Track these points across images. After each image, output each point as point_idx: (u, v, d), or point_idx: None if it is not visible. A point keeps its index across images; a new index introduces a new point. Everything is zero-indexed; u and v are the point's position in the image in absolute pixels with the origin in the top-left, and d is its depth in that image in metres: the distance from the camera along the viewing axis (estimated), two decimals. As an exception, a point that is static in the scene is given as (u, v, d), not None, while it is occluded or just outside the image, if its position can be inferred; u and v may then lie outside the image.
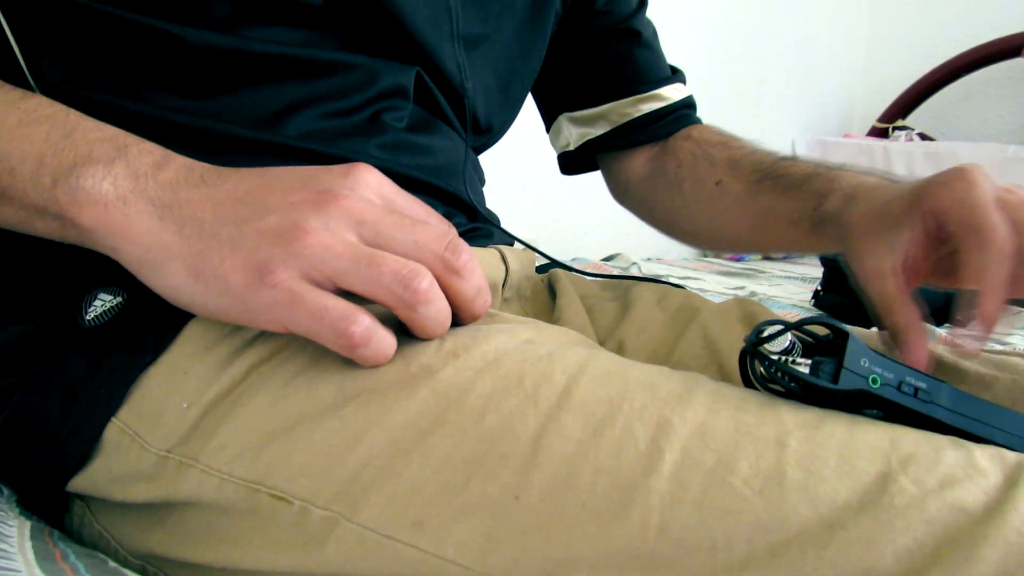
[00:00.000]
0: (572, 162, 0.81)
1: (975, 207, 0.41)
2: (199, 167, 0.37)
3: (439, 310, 0.35)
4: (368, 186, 0.36)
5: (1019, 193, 0.42)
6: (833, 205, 0.54)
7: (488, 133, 0.64)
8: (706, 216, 0.70)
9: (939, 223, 0.43)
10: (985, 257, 0.40)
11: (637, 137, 0.75)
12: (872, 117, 2.58)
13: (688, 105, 0.77)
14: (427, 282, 0.33)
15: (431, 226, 0.35)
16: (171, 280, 0.35)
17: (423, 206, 0.39)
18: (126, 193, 0.35)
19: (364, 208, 0.35)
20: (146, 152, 0.37)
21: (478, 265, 0.36)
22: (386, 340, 0.34)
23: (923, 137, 2.43)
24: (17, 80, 0.42)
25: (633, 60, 0.74)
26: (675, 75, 0.77)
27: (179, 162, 0.37)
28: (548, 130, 0.82)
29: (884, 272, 0.45)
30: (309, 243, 0.33)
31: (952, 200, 0.42)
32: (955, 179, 0.43)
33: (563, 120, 0.79)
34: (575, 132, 0.78)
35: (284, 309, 0.33)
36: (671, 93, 0.76)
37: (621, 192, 0.81)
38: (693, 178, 0.71)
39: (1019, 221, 0.41)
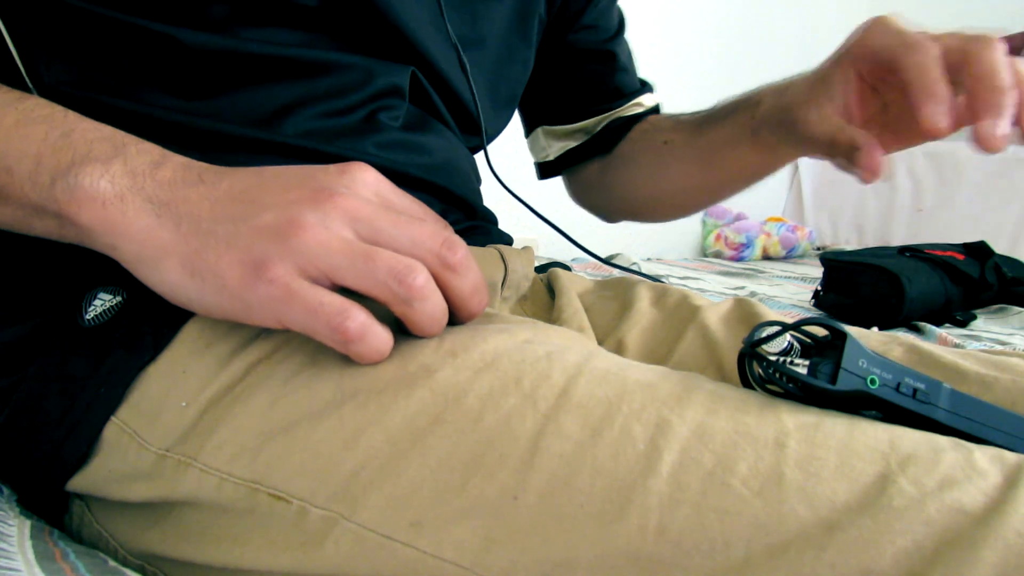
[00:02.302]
0: (549, 170, 0.84)
1: (900, 31, 0.47)
2: (196, 166, 0.37)
3: (435, 306, 0.35)
4: (365, 184, 0.37)
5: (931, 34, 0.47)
6: (766, 106, 0.59)
7: (485, 137, 0.64)
8: (659, 176, 0.74)
9: (873, 61, 0.49)
10: (922, 57, 0.44)
11: (614, 139, 0.78)
12: (872, 117, 2.57)
13: (654, 112, 0.80)
14: (423, 278, 0.34)
15: (427, 223, 0.36)
16: (168, 277, 0.35)
17: (420, 204, 0.39)
18: (124, 191, 0.35)
19: (360, 206, 0.35)
20: (144, 151, 0.37)
21: (475, 263, 0.36)
22: (381, 336, 0.34)
23: (923, 137, 2.42)
24: (14, 82, 0.42)
25: (610, 81, 0.77)
26: (643, 87, 0.80)
27: (177, 161, 0.37)
28: (527, 136, 0.85)
29: (826, 115, 0.51)
30: (305, 239, 0.33)
31: (878, 34, 0.48)
32: (874, 22, 0.49)
33: (540, 132, 0.82)
34: (555, 145, 0.81)
35: (280, 304, 0.33)
36: (646, 101, 0.79)
37: (582, 192, 0.84)
38: (643, 148, 0.76)
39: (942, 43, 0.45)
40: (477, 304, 0.37)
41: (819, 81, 0.52)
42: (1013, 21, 2.26)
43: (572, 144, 0.80)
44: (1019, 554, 0.27)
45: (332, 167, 0.37)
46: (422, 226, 0.35)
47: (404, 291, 0.33)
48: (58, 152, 0.35)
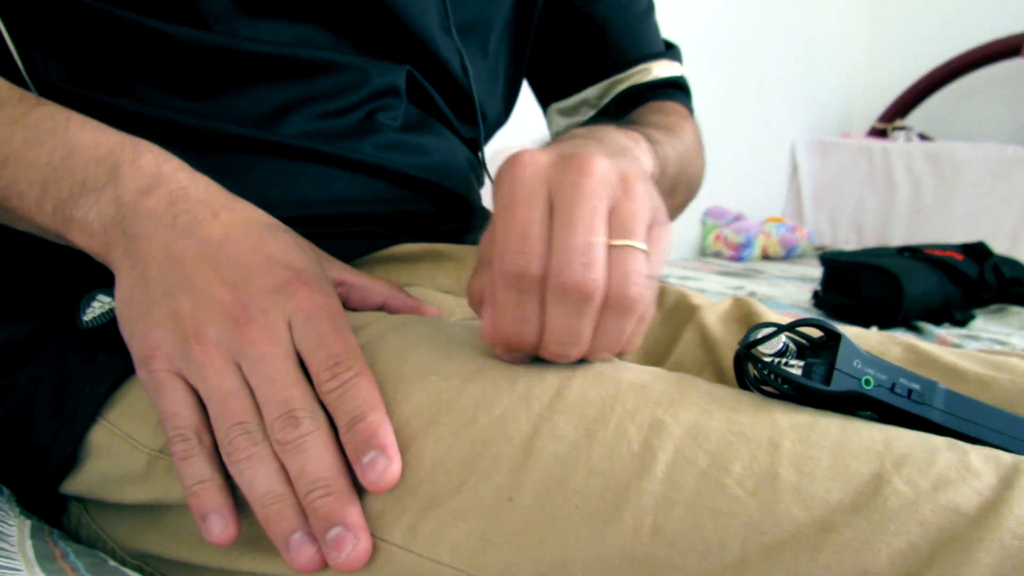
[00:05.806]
0: None
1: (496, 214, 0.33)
2: (181, 204, 0.37)
3: (254, 473, 0.33)
4: (284, 312, 0.35)
5: (579, 168, 0.32)
6: None
7: (483, 122, 0.63)
8: None
9: None
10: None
11: (621, 111, 0.71)
12: (872, 117, 2.58)
13: (671, 84, 0.72)
14: (246, 452, 0.33)
15: (295, 388, 0.33)
16: (116, 302, 0.37)
17: (342, 344, 0.35)
18: (107, 223, 0.37)
19: (261, 341, 0.34)
20: (137, 175, 0.37)
21: (320, 446, 0.33)
22: (200, 472, 0.33)
23: (922, 137, 2.43)
24: (15, 79, 0.42)
25: (604, 44, 0.70)
26: (669, 51, 0.73)
27: (166, 190, 0.37)
28: (546, 121, 0.80)
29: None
30: (194, 353, 0.34)
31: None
32: (500, 177, 0.33)
33: (552, 113, 0.77)
34: (563, 123, 0.76)
35: (152, 393, 0.35)
36: (659, 70, 0.71)
37: None
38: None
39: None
40: (303, 488, 0.32)
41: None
42: (1013, 21, 2.26)
43: (580, 120, 0.74)
44: (1015, 555, 0.27)
45: (279, 275, 0.35)
46: (286, 390, 0.33)
47: (230, 450, 0.33)
48: (59, 181, 0.38)
